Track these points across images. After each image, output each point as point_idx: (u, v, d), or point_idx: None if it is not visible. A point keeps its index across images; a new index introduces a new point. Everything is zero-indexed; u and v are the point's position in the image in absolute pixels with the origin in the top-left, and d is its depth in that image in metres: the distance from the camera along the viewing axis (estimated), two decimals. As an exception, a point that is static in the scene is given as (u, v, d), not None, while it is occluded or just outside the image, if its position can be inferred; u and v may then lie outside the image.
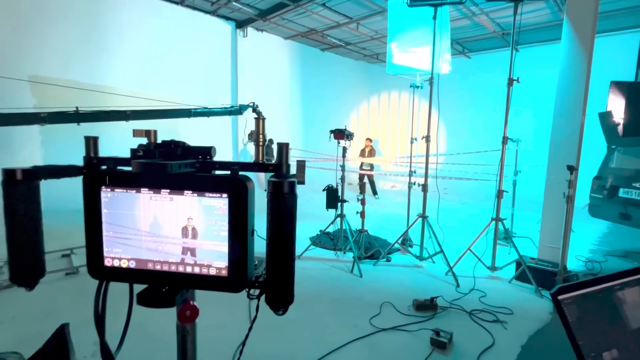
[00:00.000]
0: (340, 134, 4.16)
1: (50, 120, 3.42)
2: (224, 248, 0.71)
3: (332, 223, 4.41)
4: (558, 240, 3.44)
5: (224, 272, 0.71)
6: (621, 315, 0.77)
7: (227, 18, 8.09)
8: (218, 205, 0.69)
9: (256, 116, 4.76)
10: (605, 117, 5.27)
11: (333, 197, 4.23)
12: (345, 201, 4.27)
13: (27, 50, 5.66)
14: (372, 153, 8.78)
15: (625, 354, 0.74)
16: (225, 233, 0.70)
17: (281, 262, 0.68)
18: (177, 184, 0.70)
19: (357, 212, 4.20)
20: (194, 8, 7.47)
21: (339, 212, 4.27)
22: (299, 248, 4.20)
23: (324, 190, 4.30)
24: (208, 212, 0.70)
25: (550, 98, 3.79)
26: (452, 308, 2.95)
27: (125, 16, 6.65)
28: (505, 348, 2.41)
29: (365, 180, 8.59)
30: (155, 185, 0.70)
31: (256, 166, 0.77)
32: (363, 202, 4.18)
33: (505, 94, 3.57)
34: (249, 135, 4.72)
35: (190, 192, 0.70)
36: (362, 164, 8.76)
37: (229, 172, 0.72)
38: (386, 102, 11.99)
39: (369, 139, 8.96)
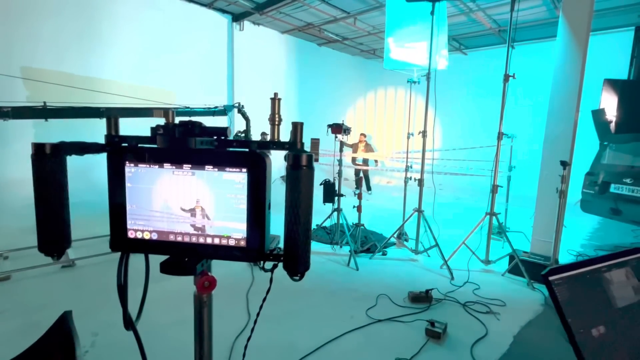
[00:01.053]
0: (338, 129, 4.17)
1: (14, 116, 3.17)
2: (243, 220, 0.74)
3: (328, 217, 4.44)
4: (550, 234, 3.50)
5: (243, 243, 0.75)
6: (608, 295, 0.81)
7: (223, 11, 8.01)
8: (238, 179, 0.73)
9: (242, 117, 4.67)
10: (598, 114, 5.36)
11: (330, 192, 4.26)
12: (342, 195, 4.30)
13: (20, 41, 5.56)
14: (367, 149, 8.79)
15: (612, 331, 0.78)
16: (244, 206, 0.74)
17: (300, 230, 0.72)
18: (199, 160, 0.73)
19: (354, 207, 4.24)
20: (190, 0, 7.40)
21: (335, 206, 4.30)
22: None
23: (321, 184, 4.32)
24: (228, 186, 0.73)
25: (545, 95, 3.83)
26: (447, 300, 3.01)
27: (120, 8, 6.56)
28: (497, 338, 2.47)
29: (361, 174, 8.64)
30: (179, 161, 0.74)
31: (273, 144, 0.80)
32: (360, 196, 4.21)
33: (501, 90, 3.61)
34: (234, 137, 4.62)
35: (211, 167, 0.73)
36: (354, 158, 8.81)
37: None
38: (382, 97, 11.99)
39: (363, 134, 8.98)
